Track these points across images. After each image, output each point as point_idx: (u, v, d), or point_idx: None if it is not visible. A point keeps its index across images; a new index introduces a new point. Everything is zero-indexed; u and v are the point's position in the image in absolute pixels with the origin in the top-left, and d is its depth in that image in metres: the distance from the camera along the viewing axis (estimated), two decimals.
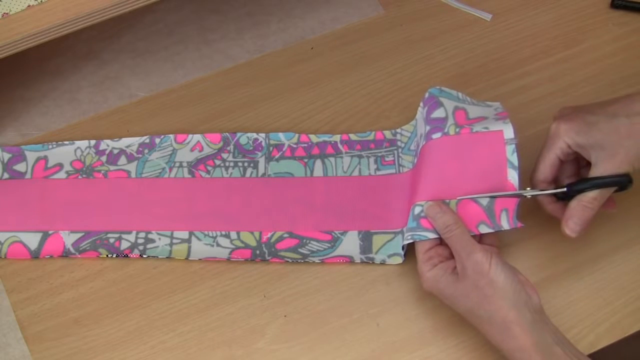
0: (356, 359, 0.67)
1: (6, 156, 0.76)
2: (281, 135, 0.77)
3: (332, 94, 0.80)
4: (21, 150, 0.76)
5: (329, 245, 0.71)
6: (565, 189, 0.65)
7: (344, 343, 0.68)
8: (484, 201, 0.66)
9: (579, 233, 0.64)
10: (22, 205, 0.74)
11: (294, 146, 0.76)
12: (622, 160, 0.62)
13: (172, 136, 0.77)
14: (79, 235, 0.72)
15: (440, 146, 0.68)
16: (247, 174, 0.75)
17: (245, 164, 0.76)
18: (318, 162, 0.76)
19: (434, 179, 0.68)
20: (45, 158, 0.76)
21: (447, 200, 0.67)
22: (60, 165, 0.76)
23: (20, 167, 0.76)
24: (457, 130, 0.68)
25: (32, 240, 0.72)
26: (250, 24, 0.85)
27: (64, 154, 0.76)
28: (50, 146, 0.77)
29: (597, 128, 0.62)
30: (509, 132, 0.67)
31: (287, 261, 0.71)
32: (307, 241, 0.72)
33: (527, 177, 0.68)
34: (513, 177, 0.67)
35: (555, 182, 0.67)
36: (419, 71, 0.82)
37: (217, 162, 0.76)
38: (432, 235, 0.66)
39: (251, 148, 0.76)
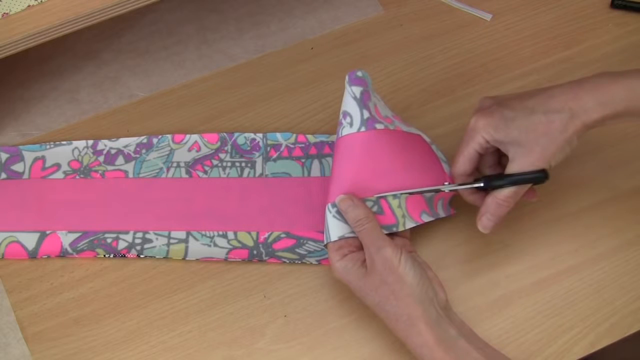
0: (356, 359, 0.67)
1: (4, 156, 0.76)
2: (279, 135, 0.77)
3: (332, 94, 0.80)
4: (19, 150, 0.76)
5: None
6: (482, 184, 0.65)
7: (344, 343, 0.68)
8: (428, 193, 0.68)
9: (491, 229, 0.65)
10: (20, 205, 0.74)
11: (292, 146, 0.76)
12: (538, 158, 0.62)
13: (169, 136, 0.77)
14: (77, 235, 0.72)
15: (387, 138, 0.68)
16: (245, 174, 0.75)
17: (243, 164, 0.75)
18: (315, 162, 0.75)
19: (387, 171, 0.67)
20: (43, 158, 0.76)
21: (398, 193, 0.67)
22: (57, 165, 0.76)
23: (17, 167, 0.76)
24: (395, 126, 0.69)
25: (29, 240, 0.72)
26: (250, 24, 0.85)
27: (61, 154, 0.76)
28: (47, 146, 0.77)
29: (514, 125, 0.62)
30: (424, 136, 0.72)
31: (284, 262, 0.71)
32: (304, 241, 0.71)
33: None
34: (447, 170, 0.70)
35: (476, 172, 0.68)
36: (419, 71, 0.82)
37: (215, 162, 0.76)
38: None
39: (249, 148, 0.76)
